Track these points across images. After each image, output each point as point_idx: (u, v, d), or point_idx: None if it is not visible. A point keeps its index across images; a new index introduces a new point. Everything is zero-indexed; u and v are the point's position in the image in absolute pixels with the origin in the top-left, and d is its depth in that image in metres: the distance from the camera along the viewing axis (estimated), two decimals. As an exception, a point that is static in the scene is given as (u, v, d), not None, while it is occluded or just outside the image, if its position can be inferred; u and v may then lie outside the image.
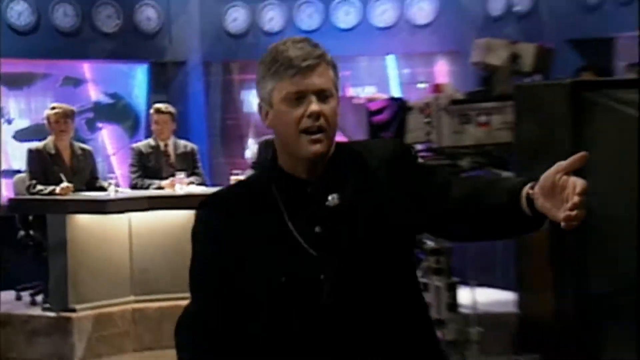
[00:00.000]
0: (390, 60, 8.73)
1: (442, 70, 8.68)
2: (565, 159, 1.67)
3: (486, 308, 5.99)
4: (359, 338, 1.88)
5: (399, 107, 6.05)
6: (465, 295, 5.53)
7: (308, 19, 8.53)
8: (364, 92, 8.01)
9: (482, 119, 5.66)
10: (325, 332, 1.88)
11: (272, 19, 8.51)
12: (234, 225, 1.97)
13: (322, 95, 1.87)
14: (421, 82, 7.53)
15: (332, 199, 1.90)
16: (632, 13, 7.03)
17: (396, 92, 8.19)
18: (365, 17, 8.49)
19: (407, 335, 1.93)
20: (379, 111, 6.23)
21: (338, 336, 1.87)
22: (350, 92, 7.88)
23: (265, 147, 7.04)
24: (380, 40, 8.53)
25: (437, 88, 6.15)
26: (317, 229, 1.90)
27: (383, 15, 8.39)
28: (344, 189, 1.92)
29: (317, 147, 1.88)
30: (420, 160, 2.29)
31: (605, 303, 3.89)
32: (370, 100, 6.58)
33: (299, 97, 1.86)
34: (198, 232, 1.99)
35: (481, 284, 6.03)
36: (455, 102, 5.75)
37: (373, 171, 1.95)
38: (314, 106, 1.85)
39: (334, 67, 1.90)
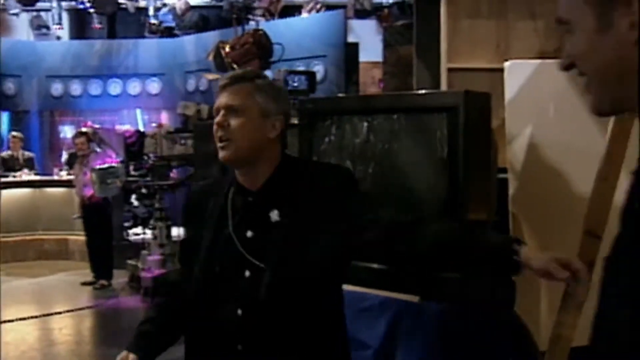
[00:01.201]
0: (139, 112, 13.23)
1: (164, 117, 12.55)
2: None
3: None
4: (267, 338, 1.94)
5: (141, 134, 9.07)
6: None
7: (96, 89, 13.13)
8: (123, 127, 10.97)
9: (182, 141, 8.32)
10: (242, 323, 1.95)
11: (76, 88, 13.23)
12: (197, 212, 2.12)
13: (231, 110, 1.97)
14: (153, 123, 11.05)
15: (273, 214, 1.98)
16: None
17: (141, 127, 11.69)
18: (125, 89, 13.20)
19: (313, 345, 1.99)
20: (130, 136, 9.35)
21: (250, 330, 1.94)
22: (117, 127, 11.08)
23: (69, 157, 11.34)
24: (133, 101, 13.21)
25: (160, 125, 9.17)
26: (248, 234, 1.99)
27: (135, 88, 13.16)
28: (283, 204, 1.99)
29: (222, 153, 1.99)
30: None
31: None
32: (126, 131, 9.87)
33: (217, 111, 2.00)
34: (182, 208, 2.22)
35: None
36: (169, 132, 8.53)
37: (317, 193, 1.99)
38: (217, 119, 1.98)
39: (260, 91, 1.99)
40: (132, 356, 2.01)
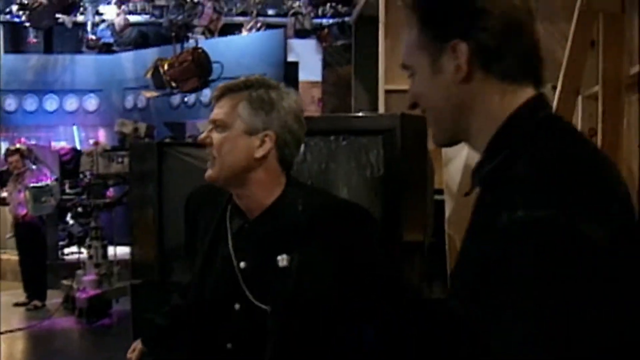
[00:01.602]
0: (75, 129, 12.93)
1: (101, 134, 12.56)
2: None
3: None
4: None
5: (77, 152, 9.54)
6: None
7: (32, 104, 12.86)
8: (59, 144, 11.92)
9: (119, 160, 8.08)
10: (232, 357, 1.83)
11: (11, 103, 12.80)
12: (195, 217, 1.96)
13: (215, 125, 1.78)
14: (90, 140, 11.16)
15: (281, 259, 1.74)
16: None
17: (77, 145, 12.08)
18: (62, 105, 12.94)
19: None
20: (66, 154, 10.33)
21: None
22: (52, 144, 11.91)
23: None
24: (69, 118, 12.93)
25: (97, 143, 8.99)
26: (242, 265, 1.81)
27: (71, 105, 12.94)
28: (286, 241, 1.76)
29: (206, 173, 1.80)
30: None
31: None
32: (62, 148, 10.86)
33: (210, 127, 1.82)
34: (184, 210, 2.03)
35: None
36: (106, 150, 8.33)
37: (333, 235, 1.76)
38: (202, 135, 1.80)
39: (247, 104, 1.76)
40: (139, 346, 2.00)
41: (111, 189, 8.79)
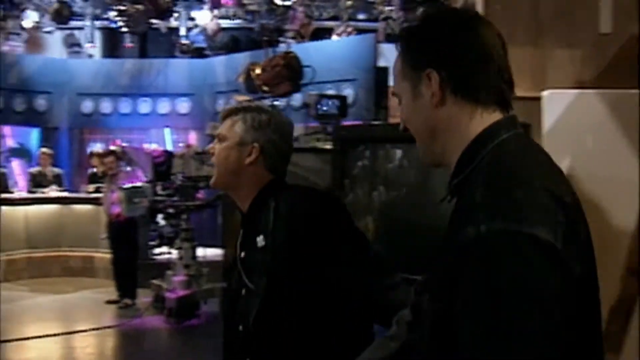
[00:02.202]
0: (167, 131, 12.97)
1: (193, 137, 12.83)
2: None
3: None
4: (268, 355, 2.09)
5: (169, 154, 8.80)
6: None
7: (126, 107, 13.27)
8: (151, 146, 10.98)
9: (209, 162, 9.21)
10: (244, 338, 2.11)
11: (107, 106, 13.31)
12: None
13: (219, 139, 2.23)
14: (182, 143, 11.45)
15: (259, 239, 2.11)
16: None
17: (169, 147, 11.74)
18: (155, 109, 13.29)
19: None
20: (159, 156, 8.96)
21: (252, 345, 2.10)
22: (144, 146, 11.24)
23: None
24: (162, 120, 13.18)
25: (189, 146, 9.70)
26: (242, 255, 2.20)
27: (164, 108, 13.26)
28: (265, 228, 2.11)
29: (210, 181, 2.23)
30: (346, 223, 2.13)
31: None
32: (154, 150, 9.48)
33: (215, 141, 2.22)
34: None
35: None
36: (197, 153, 8.46)
37: (298, 218, 2.09)
38: (209, 145, 2.27)
39: (242, 122, 2.20)
40: None
41: (202, 191, 8.88)
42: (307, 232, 2.06)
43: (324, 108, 7.06)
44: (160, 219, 10.02)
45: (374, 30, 11.73)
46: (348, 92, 9.91)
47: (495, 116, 1.39)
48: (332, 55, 10.60)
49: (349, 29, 12.19)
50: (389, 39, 11.95)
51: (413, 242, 2.95)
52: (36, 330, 7.75)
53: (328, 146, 4.94)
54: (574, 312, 1.21)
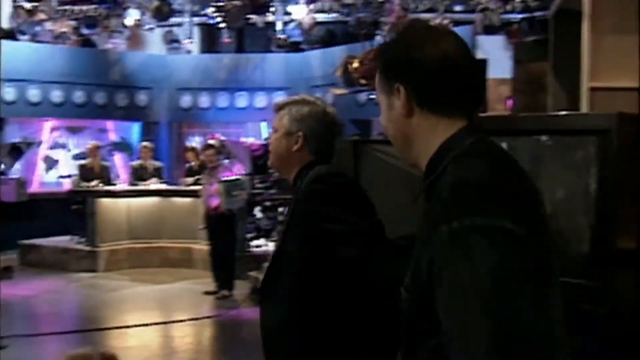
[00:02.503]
0: (263, 124, 13.48)
1: None
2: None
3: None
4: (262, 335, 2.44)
5: (267, 148, 7.69)
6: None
7: (224, 101, 13.63)
8: (249, 140, 11.87)
9: None
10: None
11: (205, 101, 13.71)
12: None
13: (273, 130, 2.58)
14: None
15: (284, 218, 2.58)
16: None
17: (266, 141, 10.88)
18: (252, 102, 13.62)
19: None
20: (257, 150, 10.33)
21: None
22: (242, 139, 12.16)
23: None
24: (259, 114, 13.52)
25: None
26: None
27: (260, 102, 13.54)
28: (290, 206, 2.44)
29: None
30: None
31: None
32: (253, 144, 10.85)
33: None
34: None
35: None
36: None
37: (296, 199, 2.42)
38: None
39: (289, 115, 2.49)
40: None
41: (298, 185, 8.88)
42: (307, 209, 2.33)
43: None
44: (257, 211, 10.06)
45: (471, 22, 11.55)
46: (446, 84, 9.72)
47: (459, 124, 1.51)
48: (429, 47, 10.42)
49: (446, 21, 11.99)
50: (487, 30, 11.75)
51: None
52: (136, 319, 7.94)
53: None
54: (548, 291, 1.32)
